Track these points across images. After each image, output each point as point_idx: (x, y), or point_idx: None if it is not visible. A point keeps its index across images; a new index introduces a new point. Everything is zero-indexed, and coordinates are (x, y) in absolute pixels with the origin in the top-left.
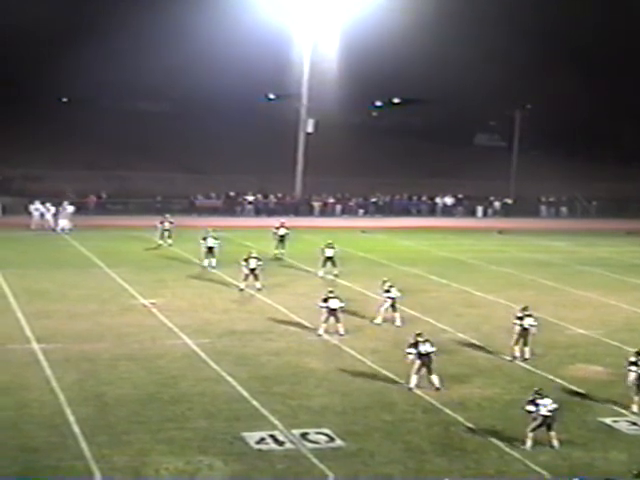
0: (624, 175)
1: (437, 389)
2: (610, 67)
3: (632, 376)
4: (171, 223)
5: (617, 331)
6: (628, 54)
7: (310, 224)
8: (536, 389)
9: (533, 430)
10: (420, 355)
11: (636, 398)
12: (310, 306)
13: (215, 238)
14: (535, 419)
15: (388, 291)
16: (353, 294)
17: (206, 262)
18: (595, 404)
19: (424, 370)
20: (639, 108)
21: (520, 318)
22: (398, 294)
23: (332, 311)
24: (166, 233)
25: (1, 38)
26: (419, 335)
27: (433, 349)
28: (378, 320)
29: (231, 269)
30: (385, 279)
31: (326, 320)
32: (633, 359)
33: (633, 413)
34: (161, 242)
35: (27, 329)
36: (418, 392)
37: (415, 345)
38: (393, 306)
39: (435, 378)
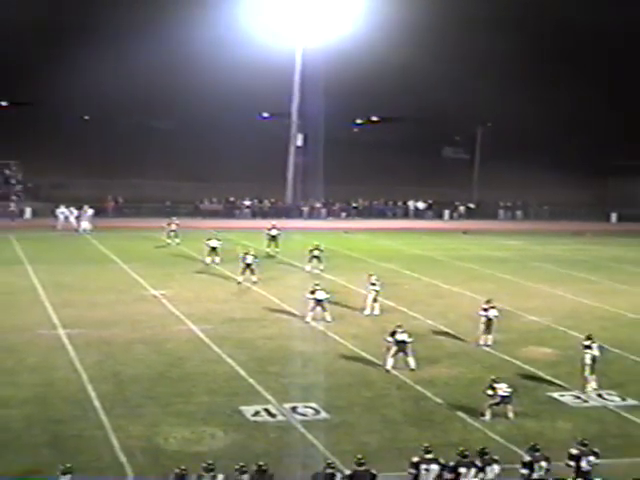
0: (572, 183)
1: (412, 370)
2: (558, 87)
3: (587, 358)
4: (177, 225)
5: (564, 318)
6: (574, 73)
7: (299, 226)
8: (493, 377)
9: (491, 406)
10: (397, 342)
11: (591, 377)
12: (299, 297)
13: (218, 239)
14: (493, 398)
15: (374, 284)
16: (337, 287)
17: (208, 259)
18: (544, 381)
19: (400, 354)
20: (584, 124)
21: (485, 310)
22: (379, 287)
23: (319, 302)
24: (172, 233)
25: (29, 62)
26: (399, 326)
27: (410, 339)
28: (367, 311)
29: (230, 265)
30: (371, 273)
31: (313, 309)
32: (587, 343)
33: (593, 389)
34: (169, 241)
35: (54, 317)
36: (394, 372)
37: (393, 334)
38: (375, 298)
39: (411, 360)
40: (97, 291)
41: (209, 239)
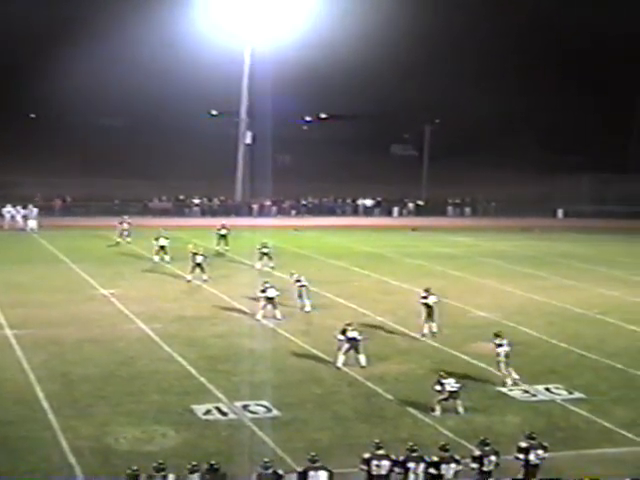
0: (519, 180)
1: (362, 367)
2: (510, 85)
3: (501, 354)
4: (129, 224)
5: (512, 314)
6: (527, 73)
7: (249, 223)
8: (441, 372)
9: (440, 401)
10: (348, 339)
11: (510, 370)
12: (250, 295)
13: (166, 237)
14: (442, 393)
15: (299, 281)
16: (287, 285)
17: (156, 258)
18: (493, 376)
19: (352, 352)
20: (534, 121)
21: (424, 297)
22: (306, 283)
23: (269, 299)
24: (125, 232)
25: None
26: (349, 324)
27: (361, 337)
28: (307, 308)
29: (180, 263)
30: (292, 271)
31: (264, 307)
32: (497, 341)
33: (515, 380)
34: (119, 240)
35: (1, 317)
36: (344, 369)
37: (344, 332)
38: (301, 294)
39: (362, 358)
40: (46, 291)
41: (157, 238)
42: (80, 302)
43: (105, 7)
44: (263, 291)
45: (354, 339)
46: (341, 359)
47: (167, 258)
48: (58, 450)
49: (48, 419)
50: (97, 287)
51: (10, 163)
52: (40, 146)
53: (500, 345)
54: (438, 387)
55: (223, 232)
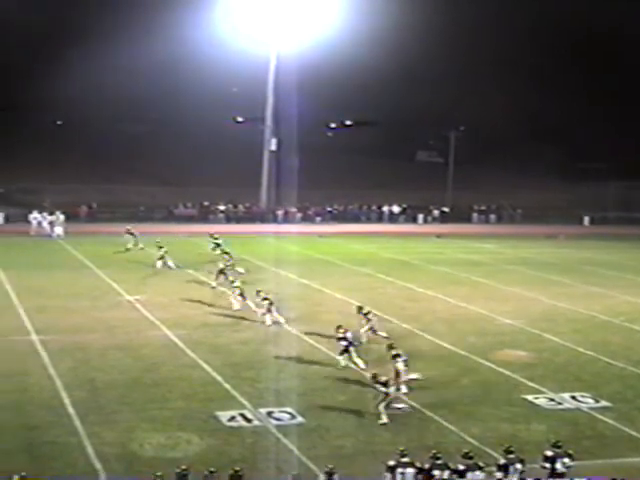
0: (544, 187)
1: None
2: (536, 92)
3: (401, 365)
4: (132, 233)
5: (537, 321)
6: (554, 80)
7: (274, 230)
8: (375, 376)
9: (381, 405)
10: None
11: (412, 374)
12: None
13: (160, 246)
14: (387, 396)
15: (266, 299)
16: (311, 291)
17: (159, 264)
18: (520, 383)
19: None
20: (560, 128)
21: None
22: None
23: (271, 304)
24: (133, 240)
25: (2, 66)
26: (339, 327)
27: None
28: (269, 322)
29: (204, 270)
30: (259, 289)
31: (268, 312)
32: (394, 352)
33: (418, 379)
34: (130, 246)
35: (27, 323)
36: (366, 375)
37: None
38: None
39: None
40: (71, 297)
41: (160, 247)
42: (105, 308)
43: (129, 14)
44: (265, 299)
45: (344, 338)
46: (341, 360)
47: (171, 264)
48: (83, 456)
49: (74, 425)
50: (122, 293)
51: (35, 170)
52: (65, 153)
53: (397, 356)
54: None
55: (217, 240)
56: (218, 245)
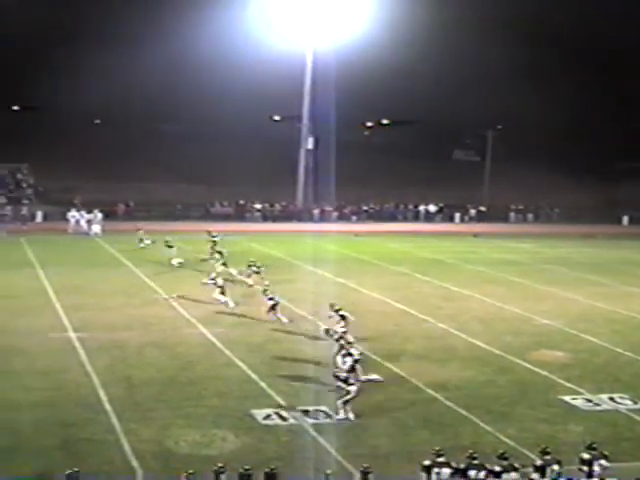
0: (582, 186)
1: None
2: (574, 91)
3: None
4: (141, 230)
5: (575, 321)
6: (592, 79)
7: (310, 229)
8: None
9: (345, 402)
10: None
11: (373, 376)
12: (308, 299)
13: (170, 246)
14: (349, 393)
15: (272, 299)
16: (347, 290)
17: (174, 262)
18: (557, 384)
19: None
20: (598, 127)
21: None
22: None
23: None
24: (144, 238)
25: (41, 66)
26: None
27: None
28: (284, 319)
29: (241, 268)
30: (265, 288)
31: (274, 309)
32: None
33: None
34: (142, 245)
35: (65, 320)
36: (402, 374)
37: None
38: (274, 307)
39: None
40: (108, 294)
41: (170, 246)
42: (142, 306)
43: (167, 14)
44: (271, 299)
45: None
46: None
47: (175, 262)
48: (120, 453)
49: (111, 422)
50: (158, 291)
51: (73, 169)
52: (103, 151)
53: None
54: (344, 386)
55: (216, 238)
56: (215, 243)
